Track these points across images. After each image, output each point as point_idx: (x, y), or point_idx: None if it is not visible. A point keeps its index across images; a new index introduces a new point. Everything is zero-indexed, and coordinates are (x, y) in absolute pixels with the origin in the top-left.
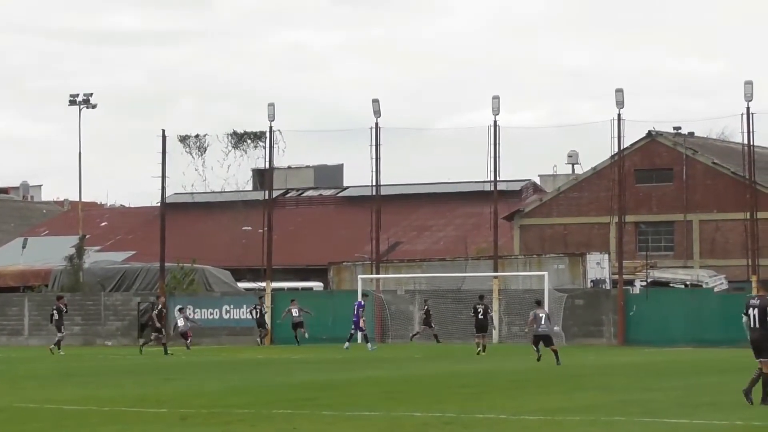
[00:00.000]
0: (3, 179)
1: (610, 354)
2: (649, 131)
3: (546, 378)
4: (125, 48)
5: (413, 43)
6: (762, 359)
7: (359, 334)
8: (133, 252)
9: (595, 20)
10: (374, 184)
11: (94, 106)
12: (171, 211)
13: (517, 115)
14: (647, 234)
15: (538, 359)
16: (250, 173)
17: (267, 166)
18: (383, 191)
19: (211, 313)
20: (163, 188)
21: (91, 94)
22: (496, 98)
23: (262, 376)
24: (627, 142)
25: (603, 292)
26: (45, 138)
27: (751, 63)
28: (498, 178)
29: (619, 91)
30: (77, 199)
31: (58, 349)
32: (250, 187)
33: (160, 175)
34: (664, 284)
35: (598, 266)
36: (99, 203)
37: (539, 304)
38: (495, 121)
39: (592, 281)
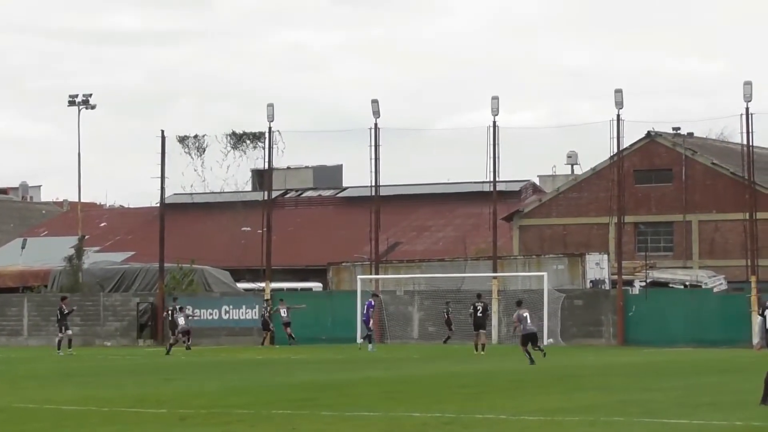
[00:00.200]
0: (2, 179)
1: (610, 354)
2: (649, 132)
3: (545, 378)
4: (125, 48)
5: (413, 43)
6: None
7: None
8: (133, 252)
9: (595, 20)
10: (373, 184)
11: (93, 107)
12: (170, 211)
13: (516, 115)
14: (646, 234)
15: (531, 362)
16: (250, 174)
17: (266, 166)
18: (383, 192)
19: (211, 314)
20: (163, 189)
21: (91, 95)
22: (495, 98)
23: (261, 377)
24: (626, 143)
25: (602, 292)
26: (44, 138)
27: (750, 63)
28: (497, 179)
29: (619, 91)
30: (76, 200)
31: (58, 349)
32: (249, 187)
33: (160, 175)
34: (664, 284)
35: (598, 266)
36: (98, 204)
37: (520, 304)
38: (494, 122)
39: (591, 281)
